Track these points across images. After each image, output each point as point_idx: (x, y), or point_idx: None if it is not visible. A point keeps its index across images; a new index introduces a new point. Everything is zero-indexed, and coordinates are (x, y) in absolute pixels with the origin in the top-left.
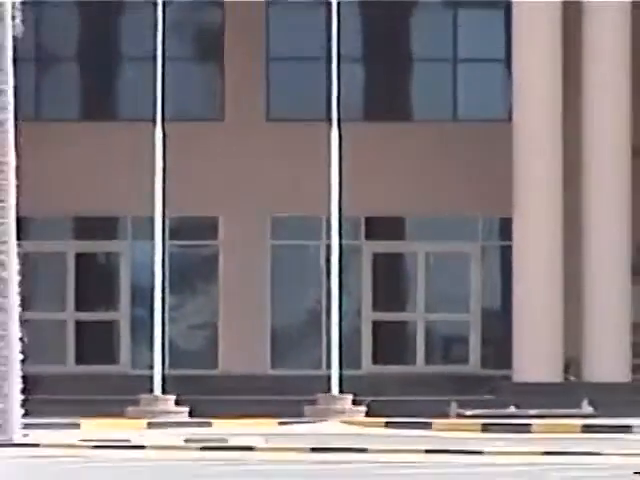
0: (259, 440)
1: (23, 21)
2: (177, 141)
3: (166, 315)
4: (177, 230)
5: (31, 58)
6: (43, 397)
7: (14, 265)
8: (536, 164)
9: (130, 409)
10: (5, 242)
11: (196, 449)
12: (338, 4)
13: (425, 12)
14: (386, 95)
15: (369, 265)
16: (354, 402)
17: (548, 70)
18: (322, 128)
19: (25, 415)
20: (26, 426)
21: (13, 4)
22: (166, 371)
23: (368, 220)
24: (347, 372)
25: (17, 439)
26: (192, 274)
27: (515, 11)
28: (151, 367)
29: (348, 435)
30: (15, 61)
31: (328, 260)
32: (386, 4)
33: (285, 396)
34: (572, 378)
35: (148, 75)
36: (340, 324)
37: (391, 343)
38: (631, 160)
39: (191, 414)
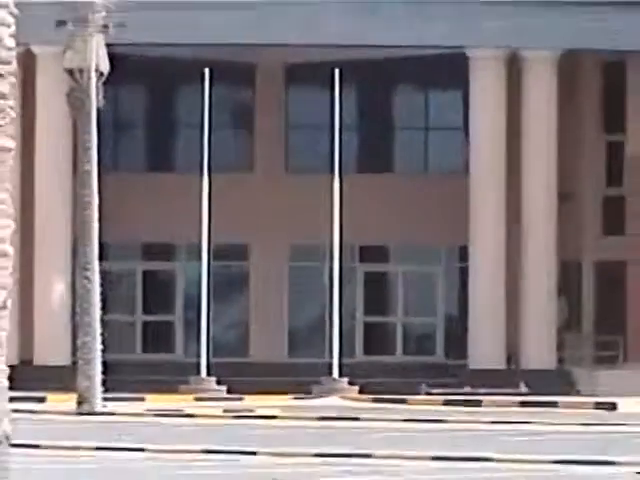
0: (278, 411)
1: (105, 97)
2: (219, 187)
3: (210, 317)
4: (218, 253)
5: (110, 124)
6: (118, 377)
7: (96, 279)
8: (486, 206)
9: (182, 387)
10: (90, 263)
11: (231, 417)
12: (340, 87)
13: (405, 93)
14: (375, 154)
15: (362, 281)
16: (350, 383)
17: (495, 136)
18: (327, 178)
19: (105, 391)
20: (105, 399)
21: (97, 84)
22: (210, 359)
23: (362, 247)
24: (345, 360)
25: (99, 409)
26: (229, 287)
27: (471, 91)
28: (198, 355)
29: (345, 407)
30: (98, 125)
31: (331, 277)
32: (375, 88)
33: (298, 378)
34: (513, 366)
35: (197, 137)
36: (340, 324)
37: (377, 339)
38: (557, 201)
39: (228, 391)
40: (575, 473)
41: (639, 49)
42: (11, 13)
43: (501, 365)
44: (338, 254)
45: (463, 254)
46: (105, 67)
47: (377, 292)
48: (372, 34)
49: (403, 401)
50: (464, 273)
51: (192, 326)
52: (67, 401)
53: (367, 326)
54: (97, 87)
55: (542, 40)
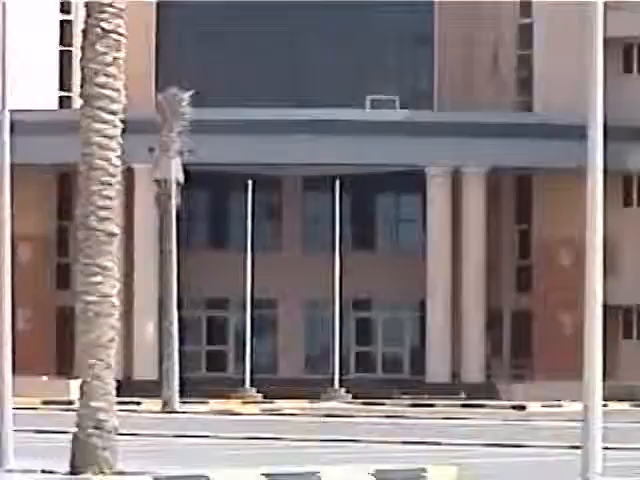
0: (298, 410)
1: (181, 198)
2: (258, 260)
3: (251, 347)
4: (257, 304)
5: (184, 216)
6: (190, 388)
7: (175, 322)
8: (438, 274)
9: (233, 394)
10: (170, 311)
11: (267, 414)
12: (340, 193)
13: (383, 196)
14: (362, 238)
15: (354, 323)
16: (346, 391)
17: (445, 228)
18: (330, 254)
19: (181, 397)
20: (182, 403)
21: (176, 190)
22: (252, 375)
23: (354, 301)
24: (343, 376)
25: (177, 409)
26: (264, 327)
27: (427, 196)
28: (244, 373)
29: (343, 408)
30: (177, 218)
31: (333, 320)
32: (365, 192)
33: (311, 388)
34: (456, 381)
35: (243, 226)
36: (340, 352)
37: (364, 361)
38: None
39: (264, 397)
40: (498, 452)
41: (542, 167)
42: (118, 142)
43: (448, 379)
44: (338, 306)
45: (422, 305)
46: (181, 178)
47: (364, 331)
48: (362, 156)
49: (382, 404)
50: (423, 318)
51: (239, 353)
52: (156, 404)
53: (358, 353)
54: (176, 192)
55: (474, 159)
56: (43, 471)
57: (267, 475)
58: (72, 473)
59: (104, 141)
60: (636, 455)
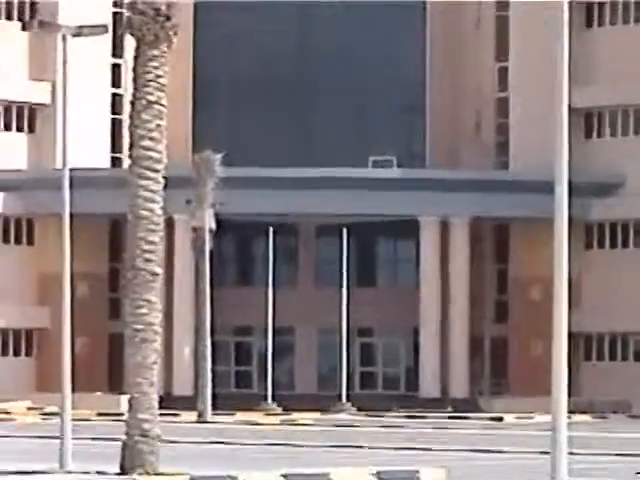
0: (312, 420)
1: (213, 242)
2: (277, 295)
3: (273, 367)
4: (277, 331)
5: (216, 258)
6: (221, 402)
7: (209, 347)
8: (429, 306)
9: (257, 407)
10: (204, 337)
11: (286, 424)
12: (348, 239)
13: (384, 241)
14: (367, 275)
15: (358, 348)
16: (352, 405)
17: (435, 268)
18: (337, 289)
19: (213, 409)
20: (214, 414)
21: (209, 236)
22: (273, 391)
23: (358, 329)
24: (349, 392)
25: (210, 420)
26: (283, 350)
27: (421, 242)
28: (266, 389)
29: (349, 419)
30: (210, 259)
31: (341, 345)
32: (368, 239)
33: (323, 403)
34: (445, 396)
35: (264, 266)
36: (347, 372)
37: (368, 380)
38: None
39: (283, 409)
40: (479, 457)
41: (516, 217)
42: (160, 195)
43: (438, 395)
44: (345, 332)
45: (416, 332)
46: (214, 226)
47: (367, 354)
48: (365, 207)
49: (382, 415)
50: (416, 343)
51: (262, 372)
52: (191, 416)
53: (362, 372)
54: (209, 238)
55: (459, 210)
56: (97, 472)
57: (285, 476)
58: (121, 474)
59: (148, 195)
60: (597, 459)
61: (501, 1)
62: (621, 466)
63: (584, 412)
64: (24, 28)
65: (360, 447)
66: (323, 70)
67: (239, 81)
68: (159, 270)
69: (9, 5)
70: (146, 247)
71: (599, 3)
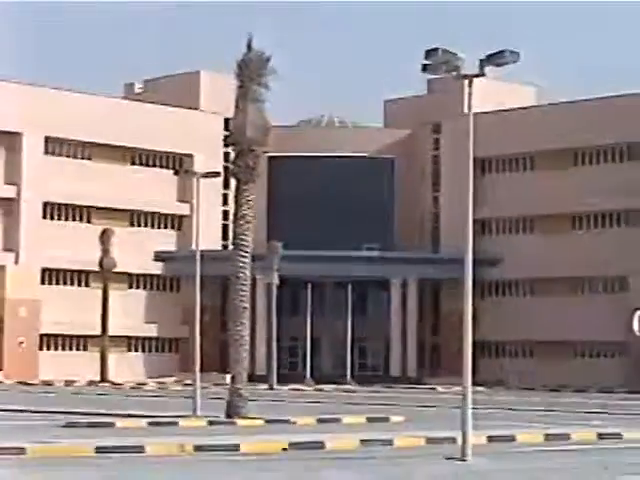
0: (331, 389)
1: (276, 295)
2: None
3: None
4: (313, 341)
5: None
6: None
7: (273, 348)
8: (395, 328)
9: (301, 382)
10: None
11: (318, 391)
12: (352, 294)
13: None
14: (360, 310)
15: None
16: (354, 379)
17: (398, 310)
18: (344, 316)
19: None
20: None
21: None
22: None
23: (358, 338)
24: (352, 373)
25: (275, 388)
26: (316, 354)
27: (391, 300)
28: (306, 372)
29: (353, 388)
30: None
31: (346, 351)
32: (368, 294)
33: (337, 379)
34: (405, 375)
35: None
36: (352, 364)
37: (363, 367)
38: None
39: (316, 383)
40: (416, 410)
41: (444, 278)
42: (249, 265)
43: (399, 375)
44: (350, 341)
45: (388, 341)
46: (277, 282)
47: (362, 353)
48: (361, 272)
49: (371, 386)
50: (388, 346)
51: (304, 363)
52: (265, 386)
53: (359, 363)
54: (275, 290)
55: (413, 275)
56: (214, 417)
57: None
58: (227, 417)
59: (241, 265)
60: (489, 412)
61: (436, 155)
62: (513, 415)
63: (481, 385)
64: (176, 173)
65: (358, 404)
66: (345, 202)
67: (295, 199)
68: (247, 305)
69: (166, 159)
70: (241, 293)
71: (488, 158)
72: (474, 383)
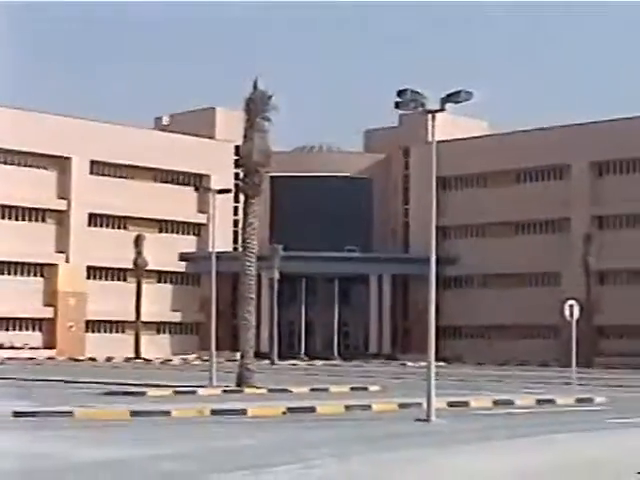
0: (321, 364)
1: (277, 288)
2: (308, 311)
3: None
4: (307, 324)
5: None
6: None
7: (274, 331)
8: (372, 314)
9: (297, 357)
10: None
11: (310, 366)
12: (339, 291)
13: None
14: (347, 301)
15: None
16: (340, 356)
17: (375, 301)
18: (333, 307)
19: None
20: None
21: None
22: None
23: (343, 322)
24: (339, 351)
25: (276, 363)
26: (309, 335)
27: (370, 289)
28: (300, 350)
29: (338, 363)
30: (278, 294)
31: (333, 331)
32: (353, 295)
33: (326, 356)
34: (380, 352)
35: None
36: (338, 344)
37: (346, 346)
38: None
39: (309, 359)
40: (393, 380)
41: (412, 274)
42: (255, 264)
43: (377, 352)
44: (337, 324)
45: (367, 323)
46: (277, 277)
47: (346, 334)
48: (345, 269)
49: (354, 361)
50: (367, 328)
51: (299, 342)
52: (267, 361)
53: (345, 343)
54: (276, 283)
55: (387, 271)
56: (226, 386)
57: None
58: (237, 386)
59: (249, 264)
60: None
61: (406, 175)
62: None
63: (443, 360)
64: (196, 190)
65: (343, 376)
66: (333, 215)
67: (292, 210)
68: (253, 296)
69: (188, 178)
70: (248, 287)
71: (449, 177)
72: (437, 359)
